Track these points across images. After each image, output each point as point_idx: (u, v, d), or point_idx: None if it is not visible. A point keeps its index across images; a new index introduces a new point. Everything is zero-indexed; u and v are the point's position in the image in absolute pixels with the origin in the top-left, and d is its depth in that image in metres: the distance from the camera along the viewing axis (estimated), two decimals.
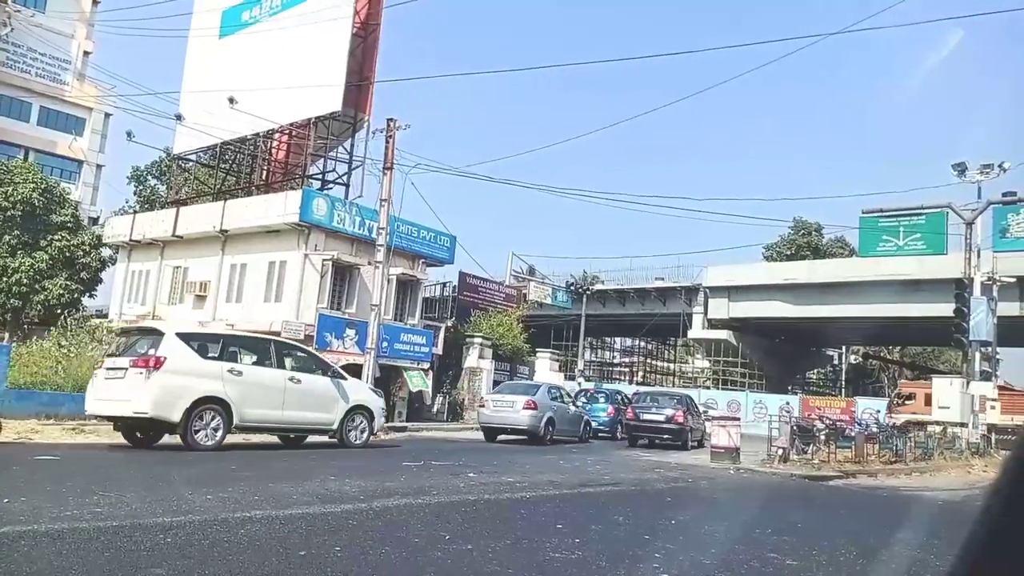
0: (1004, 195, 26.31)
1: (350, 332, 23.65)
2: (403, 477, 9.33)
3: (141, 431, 11.68)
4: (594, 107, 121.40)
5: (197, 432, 10.97)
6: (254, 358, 12.30)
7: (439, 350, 27.86)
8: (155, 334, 11.54)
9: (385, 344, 23.30)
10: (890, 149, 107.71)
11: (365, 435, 13.58)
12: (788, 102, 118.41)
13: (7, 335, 27.27)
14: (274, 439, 13.44)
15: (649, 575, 4.91)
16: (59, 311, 27.69)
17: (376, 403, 14.17)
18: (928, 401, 29.51)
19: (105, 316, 29.69)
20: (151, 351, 10.99)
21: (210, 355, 11.54)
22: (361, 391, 14.07)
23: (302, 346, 15.24)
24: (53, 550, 4.34)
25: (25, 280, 29.07)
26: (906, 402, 30.35)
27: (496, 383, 27.61)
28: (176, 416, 10.77)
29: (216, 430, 11.19)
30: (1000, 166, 25.92)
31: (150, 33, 65.24)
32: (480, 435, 20.16)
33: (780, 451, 15.18)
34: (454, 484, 8.95)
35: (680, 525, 7.29)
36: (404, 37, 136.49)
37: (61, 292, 29.62)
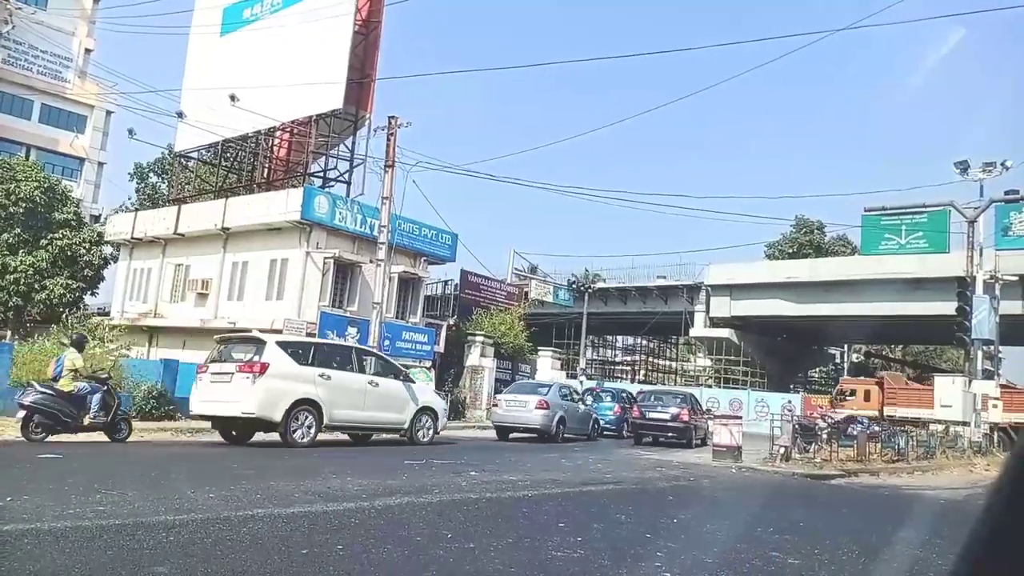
0: (1007, 193, 26.20)
1: (352, 330, 23.64)
2: (405, 476, 9.34)
3: (238, 430, 12.73)
4: (594, 106, 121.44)
5: (294, 430, 11.99)
6: (338, 363, 13.19)
7: (441, 348, 27.87)
8: (257, 342, 12.51)
9: (387, 342, 23.31)
10: (891, 148, 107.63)
11: (431, 434, 14.59)
12: (789, 101, 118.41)
13: (9, 333, 27.34)
14: (344, 436, 14.29)
15: (651, 574, 4.91)
16: (61, 309, 27.73)
17: (440, 405, 15.36)
18: (867, 397, 30.71)
19: (107, 314, 29.72)
20: (255, 358, 11.97)
21: (302, 361, 12.49)
22: (427, 393, 15.27)
23: (378, 352, 16.56)
24: (56, 548, 4.35)
25: (27, 278, 29.09)
26: (847, 398, 30.85)
27: (498, 381, 27.63)
28: (278, 416, 11.81)
29: (310, 429, 12.23)
30: (1003, 164, 25.84)
31: (151, 31, 65.31)
32: (483, 433, 20.22)
33: (782, 450, 15.18)
34: (456, 483, 8.96)
35: (682, 524, 7.28)
36: (405, 37, 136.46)
37: (63, 291, 29.62)
